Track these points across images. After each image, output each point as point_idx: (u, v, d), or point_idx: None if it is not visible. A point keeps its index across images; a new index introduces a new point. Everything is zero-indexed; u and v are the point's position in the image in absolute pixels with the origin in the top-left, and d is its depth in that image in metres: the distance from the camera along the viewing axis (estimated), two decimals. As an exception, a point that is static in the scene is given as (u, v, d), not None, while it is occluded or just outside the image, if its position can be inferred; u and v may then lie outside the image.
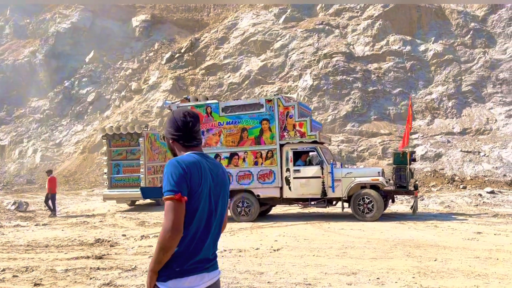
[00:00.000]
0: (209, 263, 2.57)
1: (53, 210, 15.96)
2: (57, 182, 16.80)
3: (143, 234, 11.32)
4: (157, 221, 14.06)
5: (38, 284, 7.08)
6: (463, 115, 27.12)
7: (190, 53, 33.25)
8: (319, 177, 12.04)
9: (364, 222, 11.62)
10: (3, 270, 8.20)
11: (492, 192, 16.45)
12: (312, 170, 12.18)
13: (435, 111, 27.27)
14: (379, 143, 26.34)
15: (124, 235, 11.54)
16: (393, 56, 28.99)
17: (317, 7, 32.52)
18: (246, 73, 30.66)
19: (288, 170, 12.32)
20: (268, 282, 6.71)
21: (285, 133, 12.34)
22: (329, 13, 31.95)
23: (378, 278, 6.58)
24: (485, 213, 12.76)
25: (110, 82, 35.09)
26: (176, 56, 33.49)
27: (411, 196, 12.17)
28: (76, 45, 37.24)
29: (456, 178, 23.26)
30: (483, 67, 28.02)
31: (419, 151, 25.98)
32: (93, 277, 7.45)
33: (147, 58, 35.56)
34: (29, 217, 15.99)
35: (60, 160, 32.14)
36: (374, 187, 11.98)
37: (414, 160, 12.50)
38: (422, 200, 16.03)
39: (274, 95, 13.12)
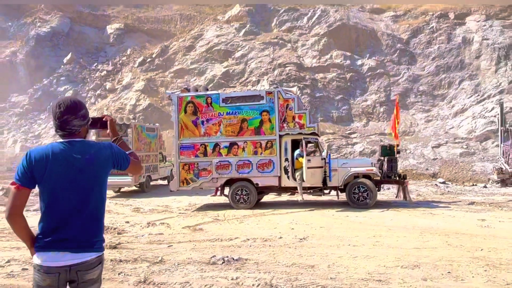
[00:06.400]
0: (75, 244, 2.15)
1: None
2: None
3: (148, 221, 9.10)
4: (151, 207, 11.80)
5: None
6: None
7: (161, 58, 30.48)
8: (322, 167, 10.27)
9: (361, 209, 9.97)
10: (8, 261, 5.88)
11: (444, 182, 15.46)
12: (319, 160, 10.36)
13: (369, 115, 26.58)
14: (325, 141, 25.22)
15: (127, 222, 9.27)
16: (335, 68, 27.97)
17: (272, 24, 30.86)
18: (211, 77, 28.46)
19: (286, 160, 10.45)
20: (331, 278, 4.88)
21: (284, 125, 10.46)
22: (282, 30, 30.39)
23: (449, 272, 4.94)
24: (459, 201, 11.51)
25: (86, 82, 31.51)
26: (147, 61, 30.58)
27: (402, 185, 10.65)
28: (54, 47, 33.16)
29: (391, 171, 22.49)
30: (407, 80, 27.64)
31: (357, 148, 25.12)
32: (121, 272, 5.34)
33: (120, 61, 32.29)
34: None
35: (39, 150, 28.35)
36: (365, 176, 10.41)
37: (399, 152, 11.10)
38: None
39: (274, 87, 11.15)
